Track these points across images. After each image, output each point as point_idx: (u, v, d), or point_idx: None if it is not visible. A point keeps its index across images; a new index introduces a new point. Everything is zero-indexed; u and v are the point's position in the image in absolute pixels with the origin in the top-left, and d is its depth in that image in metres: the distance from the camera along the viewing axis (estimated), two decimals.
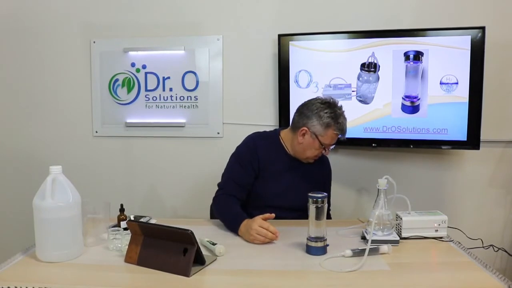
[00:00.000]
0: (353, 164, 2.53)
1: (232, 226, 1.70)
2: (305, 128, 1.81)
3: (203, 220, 1.95)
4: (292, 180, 1.89)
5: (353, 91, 2.36)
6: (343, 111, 1.82)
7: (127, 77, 2.62)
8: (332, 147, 1.86)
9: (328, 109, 1.79)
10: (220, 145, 2.57)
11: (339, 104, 1.83)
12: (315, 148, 1.82)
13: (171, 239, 1.35)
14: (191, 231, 1.31)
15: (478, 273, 1.32)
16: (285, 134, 1.94)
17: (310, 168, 1.93)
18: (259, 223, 1.58)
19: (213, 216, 2.10)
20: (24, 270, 1.35)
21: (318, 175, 1.96)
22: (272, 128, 2.25)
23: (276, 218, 1.65)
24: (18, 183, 2.70)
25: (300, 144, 1.84)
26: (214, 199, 1.88)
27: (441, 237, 1.61)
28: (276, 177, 1.88)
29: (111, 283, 1.28)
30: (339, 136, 1.82)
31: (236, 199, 1.82)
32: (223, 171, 1.93)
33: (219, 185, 1.90)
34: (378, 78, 2.32)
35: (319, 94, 2.39)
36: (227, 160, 1.93)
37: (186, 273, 1.29)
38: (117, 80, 2.62)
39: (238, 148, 1.94)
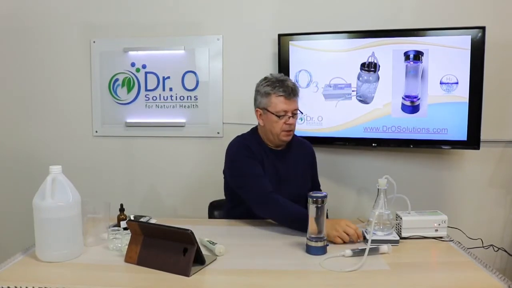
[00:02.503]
0: (353, 164, 2.53)
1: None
2: (257, 109, 1.86)
3: (203, 220, 1.95)
4: (282, 172, 1.88)
5: (353, 91, 2.36)
6: (284, 78, 1.83)
7: (127, 77, 2.62)
8: (298, 115, 1.85)
9: (263, 81, 1.85)
10: (220, 145, 2.56)
11: (279, 74, 1.86)
12: (275, 121, 1.80)
13: (171, 239, 1.35)
14: (191, 231, 1.31)
15: (478, 273, 1.32)
16: (259, 130, 1.93)
17: (294, 156, 1.94)
18: (347, 223, 1.57)
19: (212, 216, 2.09)
20: (24, 270, 1.35)
21: (304, 159, 1.98)
22: None
23: None
24: (18, 183, 2.70)
25: (264, 127, 1.85)
26: (258, 205, 1.74)
27: (441, 237, 1.61)
28: (268, 173, 1.86)
29: (111, 283, 1.28)
30: (285, 94, 1.77)
31: (278, 194, 1.74)
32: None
33: (249, 191, 1.77)
34: (378, 78, 2.32)
35: (319, 94, 2.39)
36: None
37: (186, 273, 1.29)
38: (117, 80, 2.62)
39: (237, 154, 1.85)
